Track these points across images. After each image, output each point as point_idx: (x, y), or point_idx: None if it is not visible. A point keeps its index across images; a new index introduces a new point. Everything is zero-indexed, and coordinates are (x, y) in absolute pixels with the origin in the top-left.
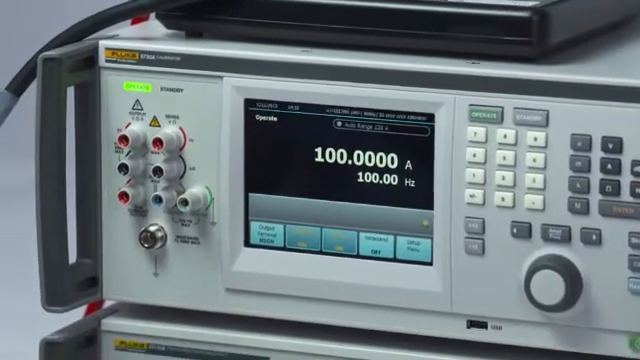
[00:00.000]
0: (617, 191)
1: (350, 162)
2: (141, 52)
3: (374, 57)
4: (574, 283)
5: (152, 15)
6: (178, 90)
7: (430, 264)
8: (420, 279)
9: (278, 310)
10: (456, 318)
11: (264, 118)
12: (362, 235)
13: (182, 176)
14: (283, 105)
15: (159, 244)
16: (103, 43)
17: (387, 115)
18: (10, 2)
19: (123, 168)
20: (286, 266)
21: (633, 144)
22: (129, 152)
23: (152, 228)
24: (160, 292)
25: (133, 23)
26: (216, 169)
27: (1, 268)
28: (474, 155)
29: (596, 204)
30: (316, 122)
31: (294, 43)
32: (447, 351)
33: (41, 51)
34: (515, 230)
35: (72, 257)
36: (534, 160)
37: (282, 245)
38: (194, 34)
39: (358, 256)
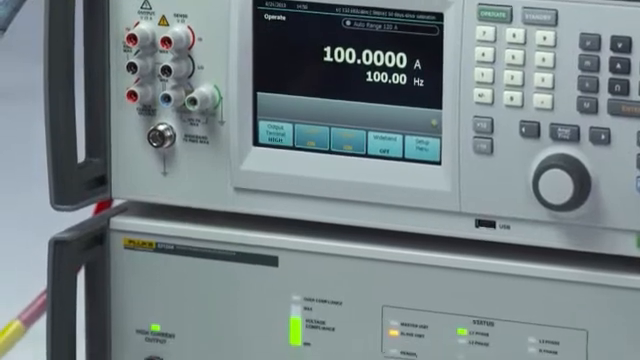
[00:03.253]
0: (626, 90)
1: (359, 61)
2: None
3: None
4: (582, 182)
5: None
6: None
7: (439, 163)
8: (429, 178)
9: (286, 209)
10: (464, 217)
11: (273, 17)
12: (371, 134)
13: (190, 75)
14: (292, 4)
15: (168, 143)
16: None
17: (396, 14)
18: None
19: (132, 67)
20: (294, 165)
21: None
22: (138, 51)
23: (161, 127)
24: (169, 191)
25: None
26: (225, 68)
27: (11, 167)
28: (483, 54)
29: (605, 103)
30: (325, 21)
31: None
32: (455, 250)
33: None
34: (524, 129)
35: (81, 156)
36: (543, 59)
37: (291, 144)
38: None
39: (367, 155)
